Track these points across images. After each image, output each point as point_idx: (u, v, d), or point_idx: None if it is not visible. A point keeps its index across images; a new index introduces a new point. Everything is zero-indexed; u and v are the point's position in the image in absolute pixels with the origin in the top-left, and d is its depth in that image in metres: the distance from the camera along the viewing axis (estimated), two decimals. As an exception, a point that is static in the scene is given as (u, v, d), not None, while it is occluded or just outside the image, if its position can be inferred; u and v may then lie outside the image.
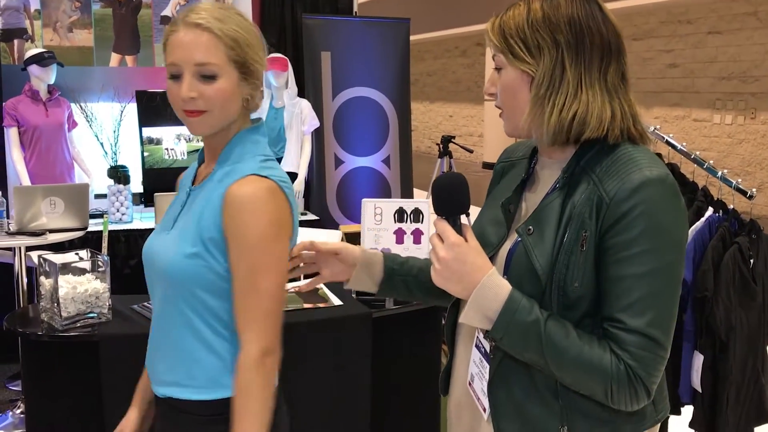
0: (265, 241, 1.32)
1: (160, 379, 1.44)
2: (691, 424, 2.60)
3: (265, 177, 1.35)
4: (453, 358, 1.44)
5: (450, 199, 1.24)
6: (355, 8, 5.84)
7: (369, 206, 2.65)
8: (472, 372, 1.34)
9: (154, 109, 4.67)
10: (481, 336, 1.31)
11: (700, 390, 2.53)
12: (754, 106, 9.54)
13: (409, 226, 2.63)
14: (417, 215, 2.64)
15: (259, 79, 1.41)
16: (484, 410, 1.29)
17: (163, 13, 5.16)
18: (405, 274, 1.50)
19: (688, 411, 2.64)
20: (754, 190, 2.57)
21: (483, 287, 1.18)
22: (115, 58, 5.08)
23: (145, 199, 4.61)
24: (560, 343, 1.16)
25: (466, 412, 1.38)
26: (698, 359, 2.52)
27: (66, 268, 2.21)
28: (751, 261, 2.49)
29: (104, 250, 2.96)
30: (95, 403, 2.20)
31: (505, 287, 1.19)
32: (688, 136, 10.27)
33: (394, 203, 2.65)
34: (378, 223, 2.63)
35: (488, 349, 1.28)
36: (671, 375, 2.59)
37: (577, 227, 1.19)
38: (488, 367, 1.28)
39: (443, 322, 2.76)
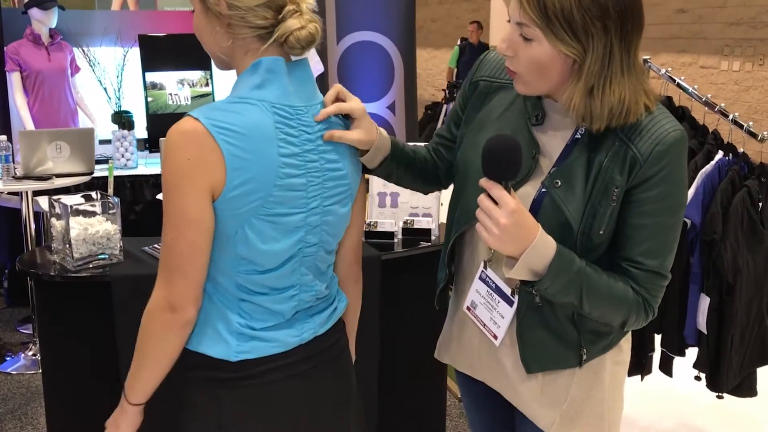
0: (167, 188, 1.23)
1: None
2: (696, 365, 2.64)
3: (195, 118, 1.22)
4: (458, 277, 1.54)
5: (504, 164, 1.25)
6: (360, -51, 5.71)
7: (377, 149, 2.64)
8: (473, 299, 1.45)
9: (157, 54, 4.63)
10: (490, 272, 1.41)
11: (705, 332, 2.56)
12: (762, 52, 9.41)
13: (417, 170, 2.63)
14: (426, 158, 2.63)
15: (223, 12, 1.27)
16: (495, 337, 1.42)
17: (164, -45, 5.08)
18: (398, 161, 1.52)
19: (692, 353, 2.68)
20: (765, 133, 2.56)
21: (534, 247, 1.26)
22: (116, 2, 5.01)
23: (150, 144, 4.60)
24: (596, 286, 1.30)
25: (474, 333, 1.50)
26: (704, 301, 2.54)
27: (76, 210, 2.21)
28: (760, 204, 2.50)
29: (110, 194, 2.96)
30: (109, 341, 2.23)
31: (551, 245, 1.28)
32: (694, 82, 10.14)
33: (403, 146, 2.64)
34: (386, 167, 2.63)
35: (509, 291, 1.39)
36: (677, 317, 2.62)
37: (605, 182, 1.29)
38: (502, 301, 1.40)
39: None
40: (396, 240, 2.60)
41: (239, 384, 1.33)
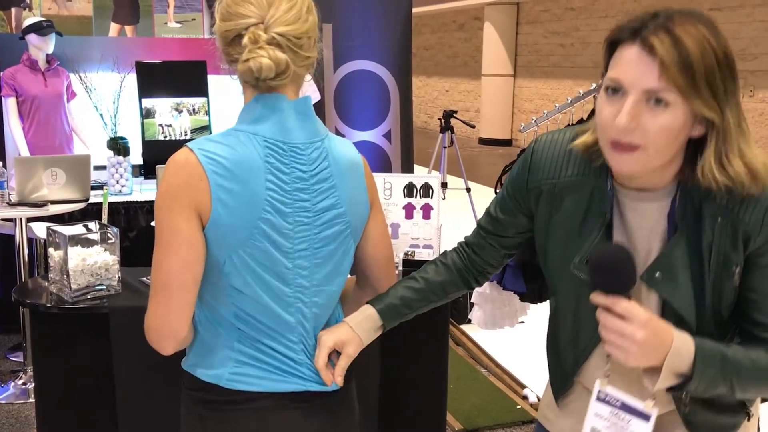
0: (158, 210, 1.29)
1: None
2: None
3: (190, 149, 1.28)
4: (569, 389, 1.42)
5: (624, 276, 1.16)
6: (357, -20, 5.76)
7: (378, 181, 2.63)
8: (594, 425, 1.30)
9: (153, 81, 4.63)
10: (610, 389, 1.28)
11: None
12: (752, 84, 9.53)
13: (418, 201, 2.62)
14: (427, 190, 2.62)
15: (225, 65, 1.35)
16: None
17: (162, -17, 5.10)
18: (400, 315, 1.47)
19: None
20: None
21: (675, 350, 1.16)
22: (114, 28, 5.02)
23: (145, 170, 4.58)
24: (743, 368, 1.20)
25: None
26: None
27: (75, 240, 2.19)
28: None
29: (104, 221, 2.94)
30: (105, 375, 2.20)
31: (689, 341, 1.18)
32: (686, 113, 10.24)
33: (404, 178, 2.64)
34: (387, 198, 2.62)
35: (641, 405, 1.26)
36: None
37: (721, 263, 1.20)
38: (634, 419, 1.26)
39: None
40: (397, 272, 2.57)
41: (224, 408, 1.34)
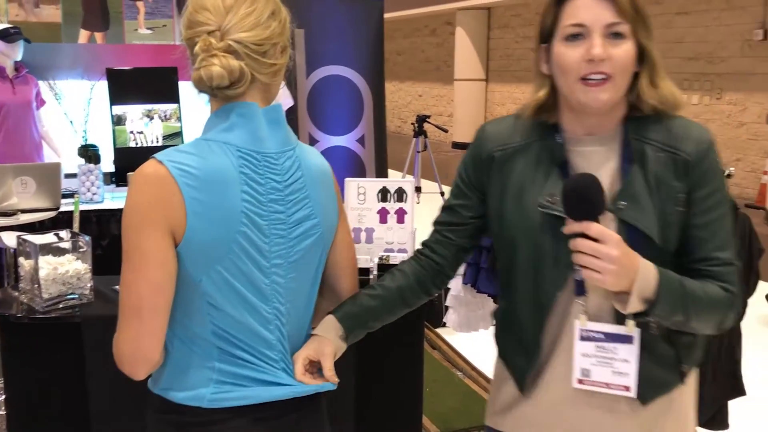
0: (126, 228, 1.22)
1: None
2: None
3: (159, 161, 1.22)
4: (536, 361, 1.43)
5: (596, 199, 1.27)
6: (329, -15, 5.76)
7: (352, 186, 2.63)
8: (581, 367, 1.36)
9: (124, 88, 4.59)
10: (591, 324, 1.34)
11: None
12: (720, 86, 9.68)
13: (392, 206, 2.63)
14: (401, 195, 2.63)
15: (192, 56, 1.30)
16: (627, 389, 1.35)
17: (132, -11, 5.06)
18: (361, 322, 1.48)
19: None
20: (732, 169, 2.62)
21: (642, 273, 1.25)
22: (83, 35, 4.98)
23: (117, 178, 4.53)
24: (697, 295, 1.31)
25: (582, 409, 1.40)
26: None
27: (46, 249, 2.16)
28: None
29: (76, 230, 2.90)
30: (78, 385, 2.17)
31: (651, 266, 1.27)
32: (655, 116, 10.36)
33: (378, 183, 2.65)
34: (361, 203, 2.62)
35: (623, 330, 1.33)
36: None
37: (666, 192, 1.33)
38: (619, 345, 1.33)
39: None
40: (372, 276, 2.58)
41: (202, 429, 1.30)
